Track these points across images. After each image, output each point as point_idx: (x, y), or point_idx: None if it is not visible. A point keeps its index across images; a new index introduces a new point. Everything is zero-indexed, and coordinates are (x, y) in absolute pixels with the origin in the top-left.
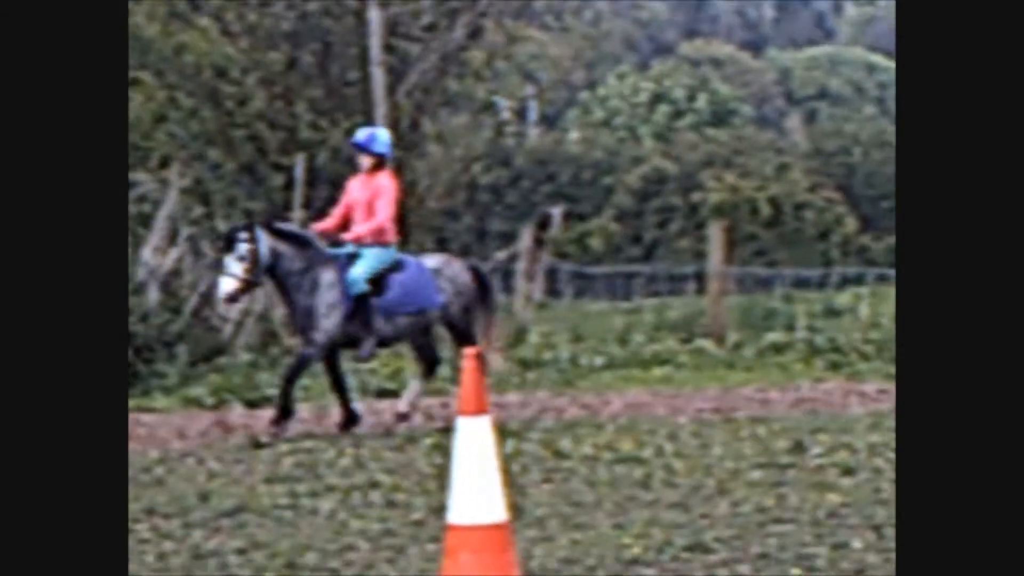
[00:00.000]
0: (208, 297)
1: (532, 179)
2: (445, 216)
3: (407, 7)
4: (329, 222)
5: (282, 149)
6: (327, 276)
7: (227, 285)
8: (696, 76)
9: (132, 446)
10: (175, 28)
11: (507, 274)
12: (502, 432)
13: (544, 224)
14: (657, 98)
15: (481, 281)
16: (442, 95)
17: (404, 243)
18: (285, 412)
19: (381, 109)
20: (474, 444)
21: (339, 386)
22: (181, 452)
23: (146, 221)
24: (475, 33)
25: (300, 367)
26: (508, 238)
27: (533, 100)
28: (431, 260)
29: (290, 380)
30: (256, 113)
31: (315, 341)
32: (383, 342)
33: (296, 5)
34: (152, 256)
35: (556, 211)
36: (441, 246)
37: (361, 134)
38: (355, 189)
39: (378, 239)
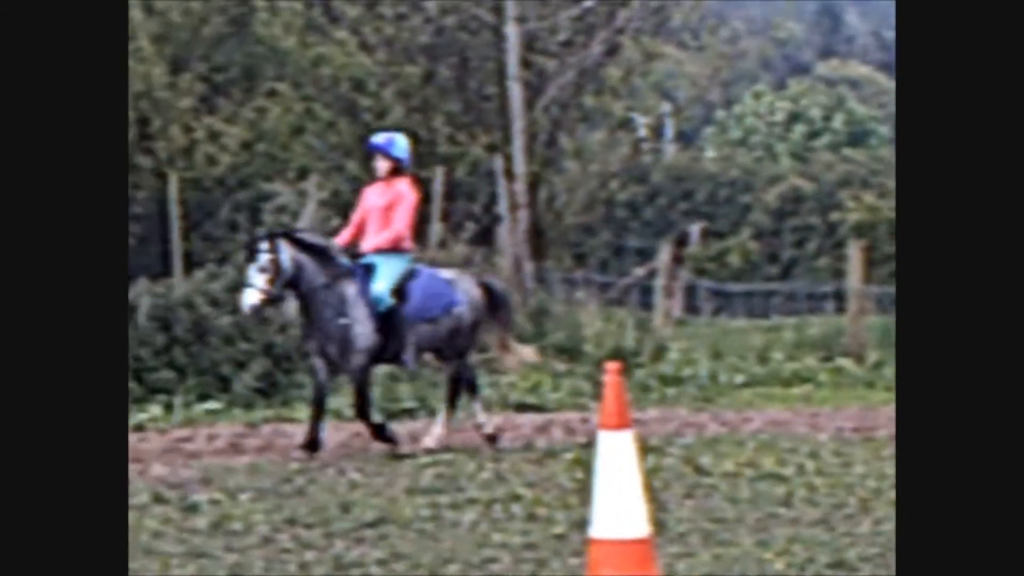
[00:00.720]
0: None
1: (669, 196)
2: (582, 232)
3: (544, 23)
4: (347, 234)
5: (419, 163)
6: (351, 291)
7: (250, 298)
8: (832, 96)
9: (273, 457)
10: (313, 40)
11: (646, 290)
12: (643, 447)
13: (682, 241)
14: (793, 117)
15: (492, 296)
16: (579, 111)
17: (542, 258)
18: (383, 435)
19: (519, 124)
20: (616, 459)
21: (320, 407)
22: (322, 463)
23: None
24: (612, 50)
25: (365, 396)
26: (645, 254)
27: (670, 117)
28: (444, 273)
29: (364, 412)
30: (393, 126)
31: (358, 365)
32: None
33: (433, 19)
34: None
35: (695, 228)
36: (579, 262)
37: (379, 137)
38: (371, 196)
39: (395, 247)
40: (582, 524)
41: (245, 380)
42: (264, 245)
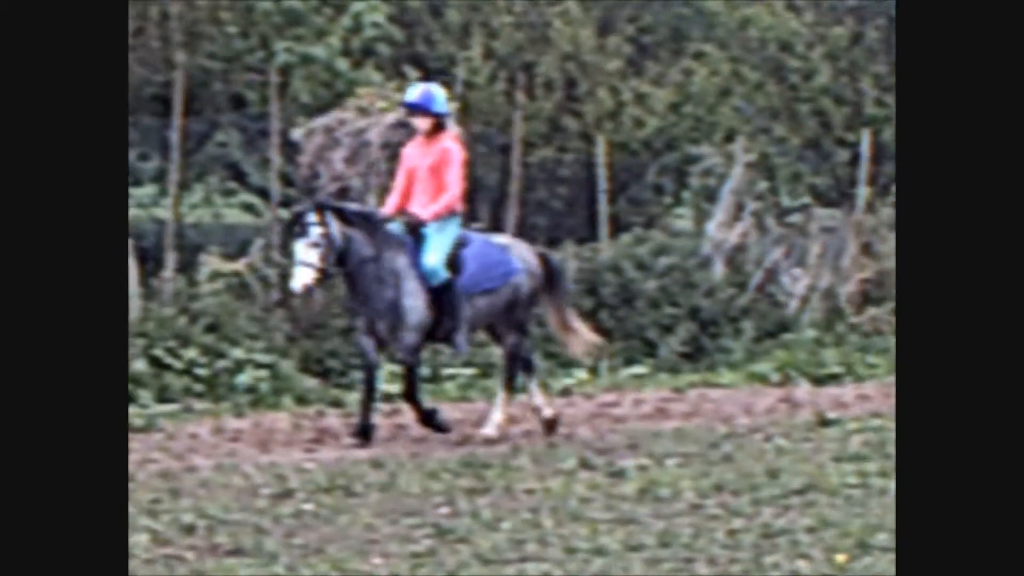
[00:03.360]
0: (773, 273)
1: None
2: None
3: None
4: (394, 198)
5: (847, 125)
6: (401, 261)
7: (303, 276)
8: None
9: (699, 421)
10: (740, 2)
11: None
12: None
13: None
14: None
15: (549, 267)
16: None
17: None
18: (432, 421)
19: None
20: None
21: (370, 393)
22: (748, 428)
23: (711, 195)
24: None
25: (414, 378)
26: None
27: None
28: (497, 238)
29: (412, 395)
30: (821, 88)
31: (409, 344)
32: None
33: None
34: (717, 231)
35: None
36: None
37: (414, 93)
38: (414, 156)
39: (451, 211)
40: None
41: (671, 344)
42: (313, 218)
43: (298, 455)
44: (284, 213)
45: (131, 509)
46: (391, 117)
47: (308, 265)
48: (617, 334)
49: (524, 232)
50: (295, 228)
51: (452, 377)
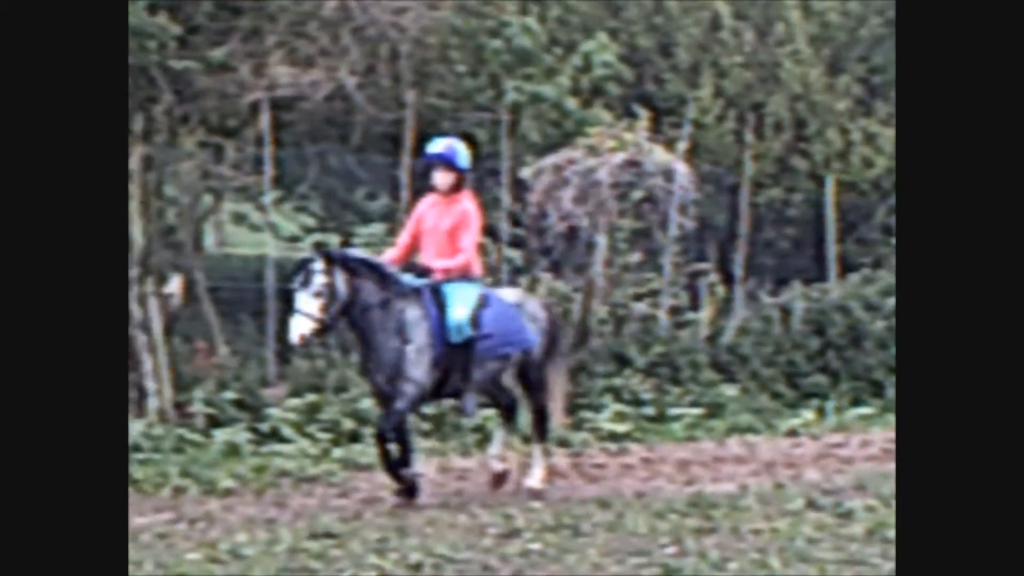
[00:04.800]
0: None
1: None
2: None
3: None
4: (396, 252)
5: None
6: (411, 313)
7: (301, 327)
8: None
9: None
10: None
11: None
12: None
13: None
14: None
15: (554, 328)
16: None
17: None
18: (402, 481)
19: None
20: None
21: (387, 454)
22: None
23: None
24: None
25: (394, 427)
26: None
27: None
28: (509, 295)
29: (385, 446)
30: None
31: (406, 394)
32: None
33: None
34: None
35: None
36: None
37: (439, 145)
38: (431, 215)
39: (466, 275)
40: None
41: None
42: (319, 267)
43: (525, 494)
44: (512, 253)
45: (358, 547)
46: (620, 157)
47: (307, 316)
48: (844, 374)
49: (752, 271)
50: (299, 277)
51: (678, 417)
